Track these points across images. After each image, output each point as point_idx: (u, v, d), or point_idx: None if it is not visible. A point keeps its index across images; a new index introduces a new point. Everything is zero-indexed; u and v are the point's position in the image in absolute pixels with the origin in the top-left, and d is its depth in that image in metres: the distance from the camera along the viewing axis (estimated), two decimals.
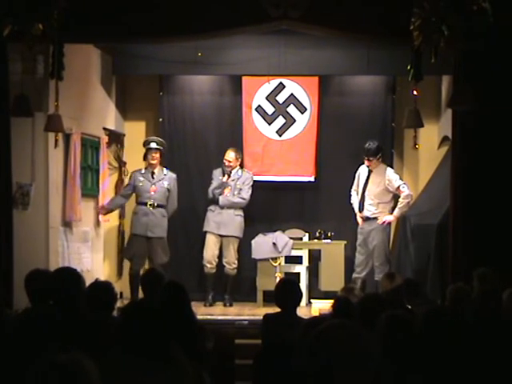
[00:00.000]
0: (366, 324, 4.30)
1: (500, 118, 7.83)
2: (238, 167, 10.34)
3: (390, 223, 9.99)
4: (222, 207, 10.22)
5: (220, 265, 10.26)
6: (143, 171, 10.05)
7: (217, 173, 10.33)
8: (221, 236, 10.22)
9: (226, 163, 10.27)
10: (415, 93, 7.73)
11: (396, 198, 9.94)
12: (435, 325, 3.56)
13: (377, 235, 9.86)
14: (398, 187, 9.85)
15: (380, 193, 9.90)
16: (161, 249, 9.94)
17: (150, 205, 9.92)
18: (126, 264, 10.44)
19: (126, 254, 10.15)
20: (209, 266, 10.21)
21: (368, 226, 9.92)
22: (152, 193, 9.95)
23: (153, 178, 10.01)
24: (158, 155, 10.02)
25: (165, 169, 10.13)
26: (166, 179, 10.07)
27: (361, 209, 9.98)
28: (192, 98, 10.90)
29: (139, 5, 7.70)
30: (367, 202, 9.93)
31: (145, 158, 10.09)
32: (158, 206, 9.96)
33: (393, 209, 9.96)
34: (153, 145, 10.02)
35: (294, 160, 10.69)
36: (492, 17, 7.08)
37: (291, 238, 10.29)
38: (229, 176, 10.25)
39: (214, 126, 10.81)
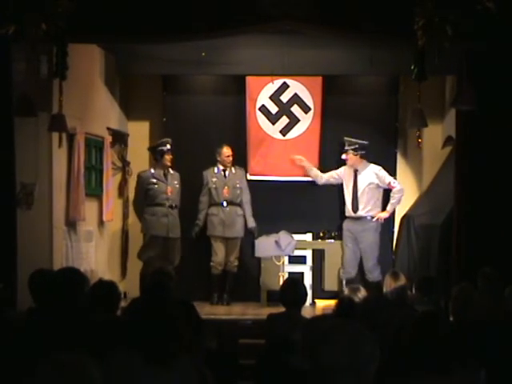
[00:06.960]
0: (369, 324, 4.29)
1: (504, 118, 7.82)
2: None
3: (384, 220, 10.02)
4: (225, 207, 10.22)
5: None
6: (153, 172, 10.02)
7: (209, 174, 10.29)
8: (226, 238, 10.23)
9: (228, 159, 10.26)
10: (418, 93, 7.72)
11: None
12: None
13: (369, 235, 9.88)
14: (389, 183, 9.90)
15: (371, 191, 9.93)
16: (177, 249, 9.98)
17: (169, 206, 9.94)
18: (130, 264, 10.43)
19: (144, 255, 9.96)
20: (219, 268, 10.21)
21: (359, 225, 9.94)
22: (169, 194, 9.96)
23: (166, 178, 10.02)
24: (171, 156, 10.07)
25: (170, 169, 10.14)
26: (175, 179, 10.10)
27: (355, 209, 9.99)
28: (196, 98, 10.90)
29: (142, 5, 7.71)
30: (359, 201, 9.96)
31: (157, 159, 10.05)
32: (176, 206, 9.99)
33: (383, 207, 10.06)
34: (168, 146, 10.03)
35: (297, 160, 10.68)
36: (496, 16, 7.07)
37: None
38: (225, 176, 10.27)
39: (217, 126, 10.79)
